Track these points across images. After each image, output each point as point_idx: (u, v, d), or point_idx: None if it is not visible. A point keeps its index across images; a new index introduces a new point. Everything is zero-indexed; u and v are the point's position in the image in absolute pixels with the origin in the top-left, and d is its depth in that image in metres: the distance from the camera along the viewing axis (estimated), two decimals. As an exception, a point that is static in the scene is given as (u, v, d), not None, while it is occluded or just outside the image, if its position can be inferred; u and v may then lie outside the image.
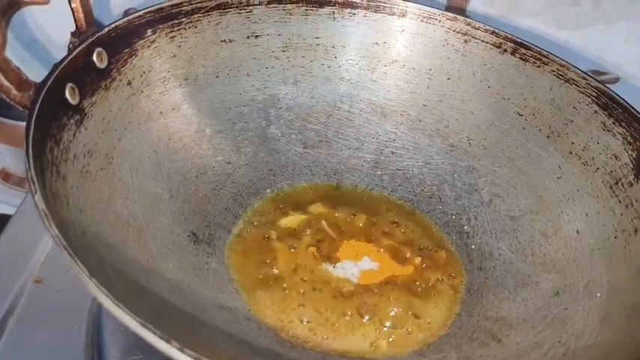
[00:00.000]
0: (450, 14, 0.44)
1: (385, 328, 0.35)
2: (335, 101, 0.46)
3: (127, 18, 0.37)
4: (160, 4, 0.39)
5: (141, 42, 0.38)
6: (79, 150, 0.32)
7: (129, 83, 0.37)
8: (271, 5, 0.44)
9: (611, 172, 0.38)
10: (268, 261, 0.37)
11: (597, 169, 0.39)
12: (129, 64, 0.37)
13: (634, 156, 0.37)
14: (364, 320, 0.35)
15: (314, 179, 0.44)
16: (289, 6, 0.44)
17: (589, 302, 0.34)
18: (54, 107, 0.31)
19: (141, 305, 0.26)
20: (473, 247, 0.41)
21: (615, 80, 0.51)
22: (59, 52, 0.34)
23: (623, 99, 0.39)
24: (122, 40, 0.37)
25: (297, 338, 0.33)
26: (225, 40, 0.43)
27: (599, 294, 0.34)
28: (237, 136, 0.43)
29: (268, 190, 0.42)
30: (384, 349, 0.34)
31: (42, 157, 0.29)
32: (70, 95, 0.32)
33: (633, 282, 0.33)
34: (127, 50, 0.37)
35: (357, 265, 0.38)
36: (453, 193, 0.43)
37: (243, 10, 0.43)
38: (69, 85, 0.32)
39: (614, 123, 0.39)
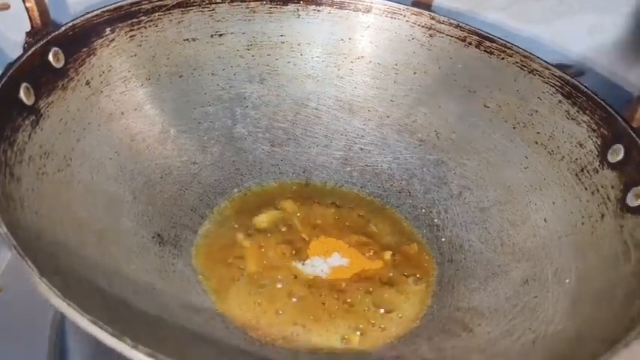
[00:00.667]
0: (415, 9, 0.45)
1: (356, 323, 0.34)
2: (302, 99, 0.45)
3: (84, 17, 0.36)
4: (119, 2, 0.38)
5: (99, 41, 0.37)
6: (34, 151, 0.31)
7: (87, 83, 0.36)
8: (234, 3, 0.43)
9: (577, 159, 0.38)
10: (236, 260, 0.36)
11: (563, 157, 0.39)
12: (87, 63, 0.36)
13: (598, 143, 0.38)
14: (334, 316, 0.34)
15: (282, 177, 0.43)
16: (253, 4, 0.44)
17: (558, 289, 0.34)
18: (7, 108, 0.31)
19: (100, 307, 0.25)
20: (443, 239, 0.40)
21: (581, 73, 0.52)
22: (14, 52, 0.33)
23: (586, 87, 0.39)
24: (80, 40, 0.36)
25: (266, 337, 0.33)
26: (188, 39, 0.42)
27: (567, 280, 0.34)
28: (202, 136, 0.42)
29: (235, 190, 0.42)
30: (355, 344, 0.33)
31: (-6, 159, 0.28)
32: (25, 95, 0.31)
33: (601, 267, 0.33)
34: (84, 49, 0.36)
35: (326, 261, 0.37)
36: (422, 187, 0.43)
37: (205, 9, 0.42)
38: (23, 85, 0.31)
39: (578, 111, 0.39)
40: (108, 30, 0.38)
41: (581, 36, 0.52)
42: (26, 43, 0.35)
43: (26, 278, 0.36)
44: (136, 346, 0.20)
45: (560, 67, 0.42)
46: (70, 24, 0.35)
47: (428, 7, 0.48)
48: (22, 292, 0.36)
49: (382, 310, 0.35)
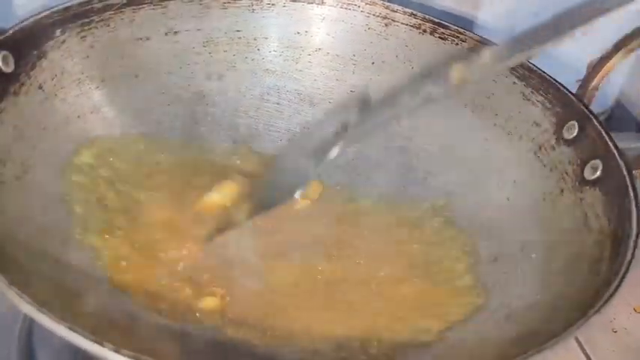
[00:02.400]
0: (369, -1, 0.45)
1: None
2: (262, 94, 0.45)
3: (32, 18, 0.35)
4: (68, 2, 0.37)
5: (50, 43, 0.36)
6: (-11, 160, 0.29)
7: (40, 87, 0.35)
8: (187, 0, 0.43)
9: (534, 138, 0.39)
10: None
11: (521, 137, 0.40)
12: (38, 67, 0.35)
13: (553, 121, 0.39)
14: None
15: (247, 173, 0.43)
16: (206, 0, 0.43)
17: (526, 264, 0.35)
18: (-45, 116, 0.29)
19: (73, 312, 0.24)
20: (413, 225, 0.41)
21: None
22: (-42, 59, 0.31)
23: (538, 68, 0.41)
24: (29, 42, 0.34)
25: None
26: (141, 38, 0.41)
27: (534, 255, 0.35)
28: (163, 136, 0.41)
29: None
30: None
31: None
32: (-25, 102, 0.30)
33: (565, 240, 0.35)
34: (35, 52, 0.35)
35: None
36: (388, 174, 0.44)
37: (157, 6, 0.41)
38: (-28, 91, 0.30)
39: (532, 92, 0.40)
40: (58, 31, 0.36)
41: (526, 16, 0.53)
42: (-29, 48, 0.33)
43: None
44: (118, 350, 0.19)
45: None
46: (17, 27, 0.34)
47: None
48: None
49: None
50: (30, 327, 0.34)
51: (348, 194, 0.43)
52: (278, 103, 0.45)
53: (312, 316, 0.33)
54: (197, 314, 0.31)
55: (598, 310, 0.26)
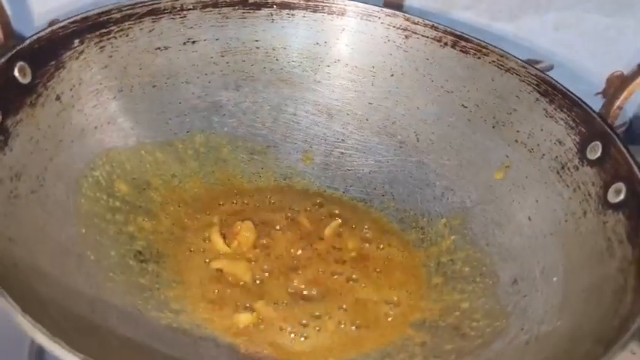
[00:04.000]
0: (389, 10, 0.44)
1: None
2: (280, 104, 0.45)
3: (50, 28, 0.35)
4: (86, 12, 0.36)
5: (68, 53, 0.35)
6: (4, 173, 0.29)
7: (57, 98, 0.34)
8: (206, 9, 0.42)
9: (557, 157, 0.39)
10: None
11: (543, 155, 0.39)
12: (56, 77, 0.35)
13: (577, 140, 0.38)
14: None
15: (263, 185, 0.42)
16: (225, 9, 0.43)
17: (547, 287, 0.34)
18: (-29, 129, 0.29)
19: (85, 338, 0.24)
20: (430, 242, 0.40)
21: (550, 68, 0.53)
22: (-24, 69, 0.31)
23: (562, 85, 0.40)
24: (47, 53, 0.34)
25: (257, 353, 0.32)
26: (160, 48, 0.41)
27: (555, 278, 0.34)
28: (180, 147, 0.41)
29: (217, 202, 0.40)
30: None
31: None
32: (-10, 115, 0.30)
33: (586, 264, 0.34)
34: (52, 63, 0.35)
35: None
36: (405, 189, 0.43)
37: (177, 16, 0.41)
38: (-12, 104, 0.30)
39: (555, 109, 0.40)
40: (76, 41, 0.36)
41: (547, 32, 0.52)
42: (-11, 58, 0.33)
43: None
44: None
45: (531, 61, 0.43)
46: (35, 37, 0.34)
47: (399, 7, 0.47)
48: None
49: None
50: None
51: (364, 209, 0.42)
52: (295, 114, 0.45)
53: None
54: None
55: (622, 346, 0.25)
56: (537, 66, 0.42)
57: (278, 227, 0.39)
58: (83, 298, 0.28)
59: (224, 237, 0.37)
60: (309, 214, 0.41)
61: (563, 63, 0.53)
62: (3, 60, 0.32)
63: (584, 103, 0.39)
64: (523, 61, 0.42)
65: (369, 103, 0.45)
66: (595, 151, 0.37)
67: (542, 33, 0.52)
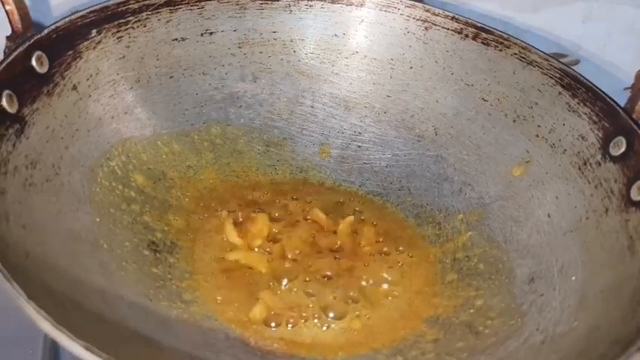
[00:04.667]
0: (409, 1, 0.43)
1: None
2: (297, 96, 0.44)
3: (68, 18, 0.35)
4: (105, 2, 0.37)
5: (85, 43, 0.36)
6: (20, 161, 0.29)
7: (74, 88, 0.35)
8: (224, 0, 0.42)
9: (579, 152, 0.37)
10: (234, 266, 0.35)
11: (565, 150, 0.38)
12: (73, 67, 0.35)
13: (600, 135, 0.37)
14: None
15: (279, 178, 0.42)
16: (243, 0, 0.42)
17: (565, 286, 0.33)
18: (-11, 117, 0.29)
19: (94, 327, 0.24)
20: (446, 237, 0.40)
21: (576, 62, 0.51)
22: (-5, 58, 0.31)
23: (586, 79, 0.39)
24: (64, 43, 0.35)
25: (267, 346, 0.32)
26: (177, 39, 0.41)
27: (574, 277, 0.33)
28: (196, 138, 0.41)
29: (233, 193, 0.40)
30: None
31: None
32: (8, 103, 0.30)
33: (607, 263, 0.33)
34: (70, 53, 0.35)
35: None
36: (422, 184, 0.42)
37: (194, 7, 0.41)
38: (6, 92, 0.30)
39: (578, 103, 0.38)
40: (94, 31, 0.36)
41: (575, 24, 0.51)
42: (7, 48, 0.33)
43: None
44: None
45: (556, 55, 0.41)
46: (53, 26, 0.34)
47: (419, -1, 0.46)
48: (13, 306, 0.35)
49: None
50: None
51: (380, 203, 0.42)
52: (312, 107, 0.44)
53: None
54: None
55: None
56: (563, 60, 0.41)
57: (293, 220, 0.39)
58: (94, 286, 0.28)
59: (238, 229, 0.37)
60: (324, 208, 0.40)
61: (590, 57, 0.52)
62: (21, 49, 0.32)
63: (609, 97, 0.37)
64: (548, 54, 0.40)
65: (387, 96, 0.44)
66: (619, 146, 0.36)
67: (569, 25, 0.51)
